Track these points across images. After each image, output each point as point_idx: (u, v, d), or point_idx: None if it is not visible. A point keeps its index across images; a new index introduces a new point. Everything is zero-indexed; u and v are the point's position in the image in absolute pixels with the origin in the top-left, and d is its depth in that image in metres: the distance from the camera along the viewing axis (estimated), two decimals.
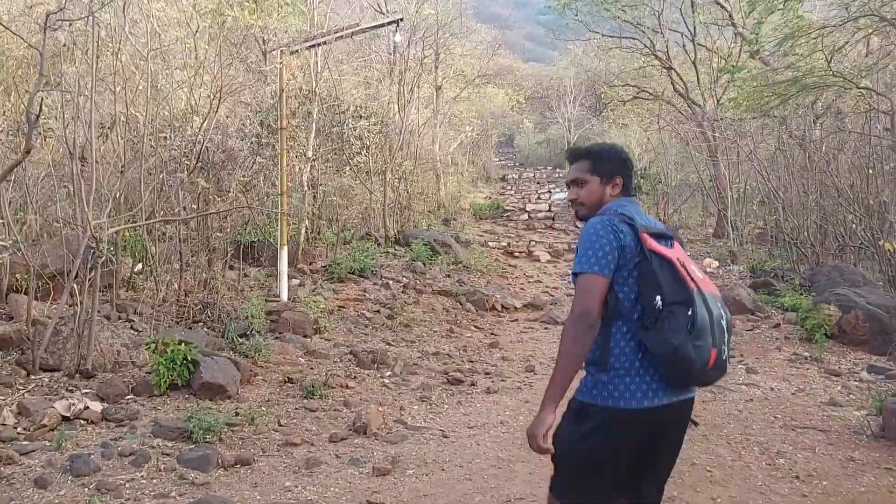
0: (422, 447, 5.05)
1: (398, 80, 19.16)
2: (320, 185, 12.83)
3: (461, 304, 10.33)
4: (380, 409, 5.82)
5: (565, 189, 3.02)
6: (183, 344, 5.68)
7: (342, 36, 9.53)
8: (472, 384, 6.82)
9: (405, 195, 17.42)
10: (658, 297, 2.33)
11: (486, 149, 33.33)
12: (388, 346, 7.81)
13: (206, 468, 4.44)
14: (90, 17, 5.49)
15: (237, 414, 5.34)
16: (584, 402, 2.44)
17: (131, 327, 6.75)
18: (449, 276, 12.08)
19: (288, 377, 6.28)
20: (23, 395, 5.17)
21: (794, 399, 6.35)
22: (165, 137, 9.33)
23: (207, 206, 7.47)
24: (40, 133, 7.13)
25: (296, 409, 5.70)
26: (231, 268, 9.69)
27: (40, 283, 6.85)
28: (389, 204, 15.48)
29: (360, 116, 14.84)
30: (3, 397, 5.05)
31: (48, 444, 4.49)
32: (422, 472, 4.56)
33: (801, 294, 9.71)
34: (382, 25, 9.63)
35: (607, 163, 2.72)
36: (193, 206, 7.43)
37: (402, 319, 8.81)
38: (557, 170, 28.25)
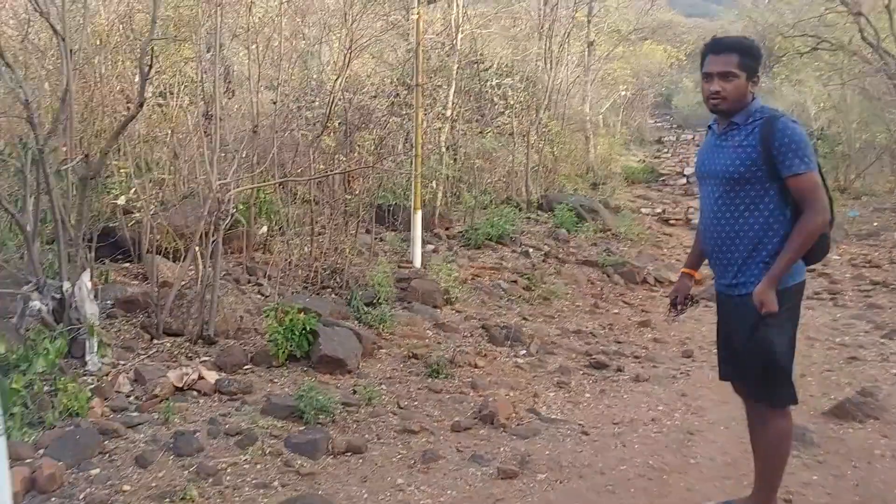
0: (556, 445, 4.35)
1: (546, 35, 18.13)
2: (460, 146, 12.28)
3: (608, 276, 9.44)
4: (510, 394, 5.19)
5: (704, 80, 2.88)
6: (303, 312, 5.32)
7: None
8: (619, 369, 6.02)
9: (551, 158, 16.53)
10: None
11: (641, 109, 31.47)
12: (523, 321, 7.14)
13: (314, 454, 4.01)
14: None
15: (354, 392, 4.90)
16: (785, 287, 2.78)
17: (259, 292, 6.54)
18: (595, 244, 11.19)
19: (413, 352, 5.79)
20: (143, 360, 5.02)
21: None
22: (304, 96, 9.12)
23: (336, 166, 7.10)
24: (174, 92, 7.03)
25: (419, 388, 5.19)
26: (367, 231, 9.38)
27: (176, 245, 6.81)
28: (533, 167, 14.68)
29: (504, 74, 14.08)
30: (123, 362, 4.92)
31: (157, 416, 4.25)
32: (555, 479, 3.87)
33: None
34: None
35: (755, 60, 2.79)
36: (322, 166, 7.08)
37: (541, 292, 8.10)
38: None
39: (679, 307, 3.31)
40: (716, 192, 2.92)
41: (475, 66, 12.52)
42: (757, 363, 2.86)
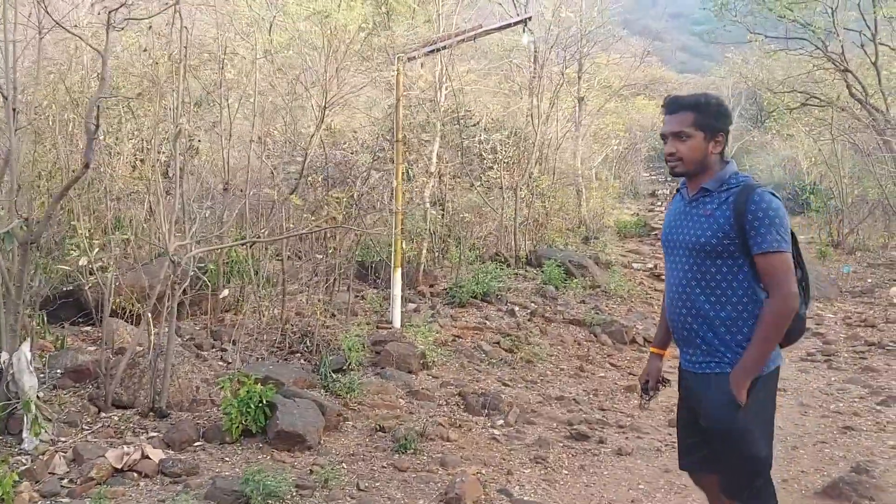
0: None
1: (536, 91, 18.18)
2: (448, 200, 12.10)
3: (595, 335, 9.11)
4: (482, 471, 4.83)
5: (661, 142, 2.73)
6: (261, 382, 5.00)
7: (464, 39, 8.72)
8: (601, 441, 5.66)
9: (542, 212, 16.36)
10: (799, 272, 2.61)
11: (635, 163, 31.57)
12: (503, 387, 6.79)
13: None
14: (175, 17, 4.97)
15: (311, 472, 4.54)
16: (760, 375, 2.57)
17: (222, 358, 6.22)
18: (584, 302, 10.88)
19: (381, 424, 5.43)
20: (86, 436, 4.68)
21: None
22: (288, 152, 8.96)
23: (306, 225, 6.85)
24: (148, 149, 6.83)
25: (383, 466, 4.83)
26: (349, 289, 9.11)
27: (140, 308, 6.52)
28: (523, 221, 14.49)
29: (493, 129, 14.00)
30: (63, 439, 4.58)
31: (87, 503, 3.89)
32: None
33: None
34: (508, 26, 8.70)
35: (713, 117, 2.60)
36: (292, 224, 6.84)
37: (524, 354, 7.76)
38: None
39: (651, 392, 3.04)
40: (685, 264, 2.68)
41: (461, 121, 12.42)
42: (734, 453, 2.57)
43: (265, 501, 3.98)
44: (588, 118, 23.10)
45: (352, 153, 8.86)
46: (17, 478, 3.92)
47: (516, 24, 8.47)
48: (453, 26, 10.65)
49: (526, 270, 12.54)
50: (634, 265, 15.04)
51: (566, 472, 5.03)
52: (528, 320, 9.31)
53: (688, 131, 2.58)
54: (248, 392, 4.86)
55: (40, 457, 4.31)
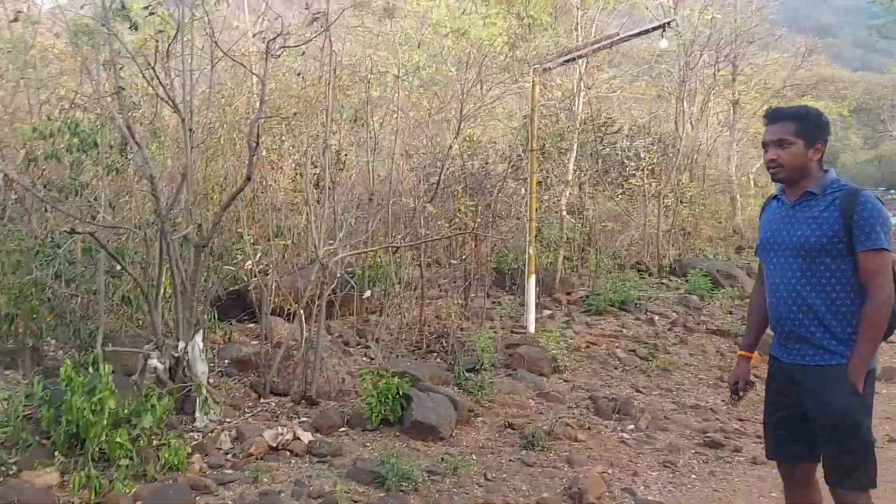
0: None
1: (685, 95, 17.72)
2: (587, 209, 12.13)
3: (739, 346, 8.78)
4: (607, 472, 4.91)
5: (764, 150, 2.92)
6: (399, 376, 5.39)
7: (601, 48, 8.77)
8: (736, 450, 5.53)
9: (690, 220, 15.91)
10: None
11: None
12: (636, 393, 6.78)
13: None
14: (325, 42, 5.51)
15: (443, 460, 4.85)
16: (870, 369, 2.72)
17: (366, 354, 6.71)
18: (731, 312, 10.49)
19: (510, 422, 5.66)
20: (247, 418, 5.27)
21: None
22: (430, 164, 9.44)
23: (439, 232, 7.24)
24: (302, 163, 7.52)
25: (510, 460, 5.04)
26: (488, 296, 9.42)
27: (296, 307, 7.18)
28: (668, 230, 14.19)
29: (637, 136, 13.83)
30: (228, 420, 5.19)
31: (248, 474, 4.41)
32: None
33: None
34: (646, 32, 8.65)
35: (813, 127, 2.78)
36: (427, 231, 7.25)
37: (660, 362, 7.67)
38: (892, 191, 23.94)
39: (741, 393, 3.24)
40: (793, 265, 2.83)
41: (602, 128, 12.40)
42: (850, 441, 2.72)
43: (399, 483, 4.33)
44: (744, 121, 22.10)
45: (488, 163, 9.16)
46: (189, 450, 4.53)
47: (654, 29, 8.41)
48: (591, 35, 10.72)
49: (669, 280, 12.29)
50: None
51: (695, 476, 5.00)
52: (668, 329, 9.16)
53: (789, 139, 2.77)
54: (386, 384, 5.27)
55: (209, 434, 4.93)
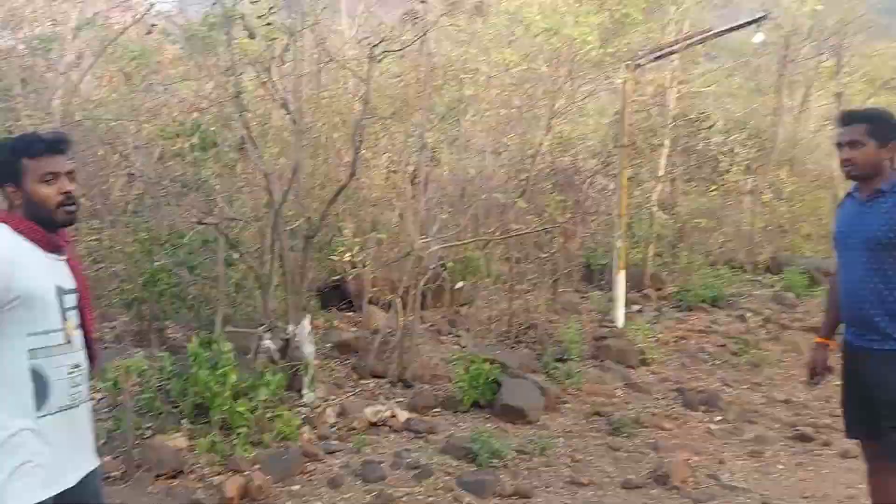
0: None
1: (784, 88, 17.18)
2: (678, 205, 12.05)
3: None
4: (693, 458, 5.03)
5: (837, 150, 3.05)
6: (489, 363, 5.68)
7: (693, 43, 8.76)
8: (826, 444, 5.52)
9: (788, 216, 15.45)
10: None
11: None
12: (725, 387, 6.82)
13: (482, 493, 4.29)
14: (422, 47, 5.87)
15: (531, 441, 5.11)
16: None
17: (456, 342, 7.04)
18: None
19: (597, 409, 5.85)
20: (349, 397, 5.69)
21: None
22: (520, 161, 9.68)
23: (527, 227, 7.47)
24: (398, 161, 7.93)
25: (596, 445, 5.25)
26: (577, 291, 9.58)
27: (392, 297, 7.59)
28: (764, 226, 13.86)
29: (732, 131, 13.57)
30: (333, 397, 5.62)
31: (351, 446, 4.82)
32: None
33: None
34: (740, 27, 8.56)
35: (885, 128, 2.89)
36: (516, 226, 7.49)
37: (750, 357, 7.64)
38: None
39: (818, 378, 3.40)
40: (861, 258, 2.99)
41: (695, 123, 12.27)
42: None
43: (489, 458, 4.63)
44: None
45: (579, 158, 9.31)
46: (299, 422, 4.98)
47: (748, 24, 8.33)
48: (684, 29, 10.65)
49: (763, 277, 12.06)
50: None
51: (782, 466, 5.06)
52: (760, 326, 9.05)
53: (861, 140, 2.88)
54: (477, 369, 5.57)
55: (315, 409, 5.37)
